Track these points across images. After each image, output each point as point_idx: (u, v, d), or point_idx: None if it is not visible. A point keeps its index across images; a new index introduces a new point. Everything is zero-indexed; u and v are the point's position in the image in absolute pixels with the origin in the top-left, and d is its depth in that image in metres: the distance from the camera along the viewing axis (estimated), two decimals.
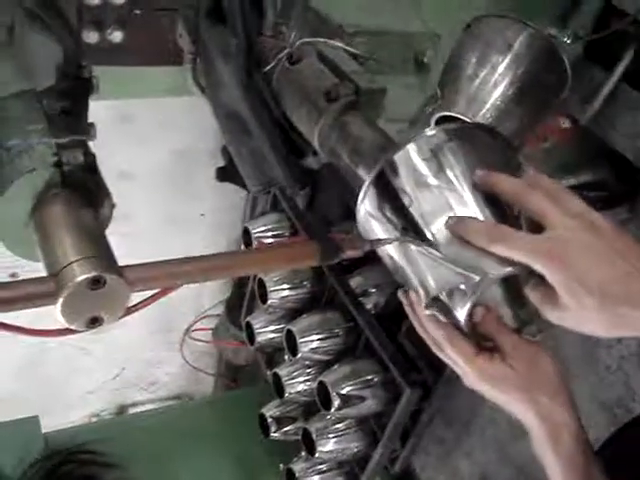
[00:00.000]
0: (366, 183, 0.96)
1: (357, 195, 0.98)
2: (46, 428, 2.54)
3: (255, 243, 2.47)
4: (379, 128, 1.10)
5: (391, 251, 0.96)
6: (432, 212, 0.90)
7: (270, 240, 2.48)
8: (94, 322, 0.79)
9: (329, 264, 1.80)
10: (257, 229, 2.47)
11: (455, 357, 1.01)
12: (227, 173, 2.79)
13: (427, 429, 2.38)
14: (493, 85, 1.30)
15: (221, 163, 2.82)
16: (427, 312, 0.99)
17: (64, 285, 0.75)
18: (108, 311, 0.79)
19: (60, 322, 0.82)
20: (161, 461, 2.57)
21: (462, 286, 0.90)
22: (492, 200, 0.90)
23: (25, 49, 1.03)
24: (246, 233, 2.49)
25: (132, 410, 3.72)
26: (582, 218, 0.87)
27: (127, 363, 3.54)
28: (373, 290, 2.32)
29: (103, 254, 0.80)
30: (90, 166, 0.90)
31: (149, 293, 0.84)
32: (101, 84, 1.13)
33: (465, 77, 1.32)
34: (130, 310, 0.82)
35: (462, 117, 1.29)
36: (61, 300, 0.75)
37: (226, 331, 3.30)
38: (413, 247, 0.92)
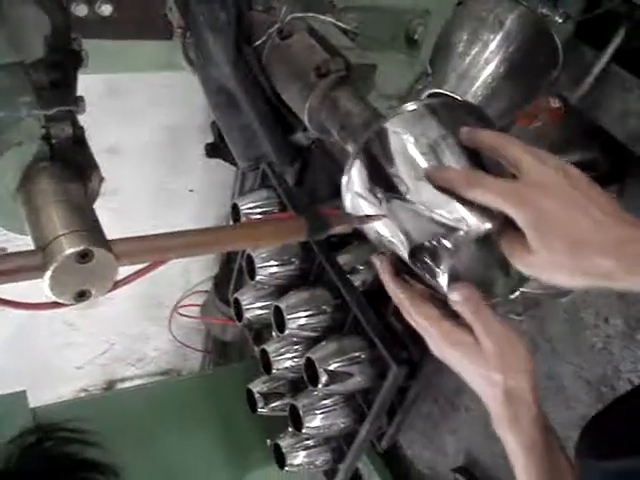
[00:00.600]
0: (353, 154, 0.97)
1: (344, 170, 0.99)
2: (34, 403, 2.54)
3: (244, 219, 2.47)
4: (369, 104, 1.10)
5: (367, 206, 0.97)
6: (417, 177, 0.91)
7: (259, 216, 2.48)
8: (82, 296, 0.79)
9: (318, 240, 1.81)
10: (246, 205, 2.47)
11: (421, 320, 1.00)
12: (216, 149, 2.78)
13: (414, 406, 2.40)
14: (484, 63, 1.29)
15: (210, 139, 2.81)
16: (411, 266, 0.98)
17: (52, 258, 0.75)
18: (96, 285, 0.79)
19: (48, 296, 0.82)
20: (149, 436, 2.58)
21: (445, 242, 0.90)
22: (475, 160, 0.92)
23: (13, 21, 1.02)
24: (235, 209, 2.49)
25: (120, 385, 3.73)
26: (557, 167, 0.88)
27: (115, 339, 3.54)
28: (361, 267, 2.33)
29: (91, 228, 0.79)
30: (79, 139, 0.90)
31: (137, 267, 0.84)
32: (90, 58, 1.12)
33: (456, 54, 1.32)
34: (118, 284, 0.81)
35: (452, 94, 1.29)
36: (49, 273, 0.75)
37: (214, 307, 3.31)
38: (398, 203, 0.93)
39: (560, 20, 1.44)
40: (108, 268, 0.78)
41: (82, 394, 3.64)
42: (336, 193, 2.41)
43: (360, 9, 1.25)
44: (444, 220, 0.90)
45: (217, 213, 3.18)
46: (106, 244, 0.77)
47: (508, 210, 0.85)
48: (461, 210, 0.89)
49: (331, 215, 0.96)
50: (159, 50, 1.44)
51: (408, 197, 0.92)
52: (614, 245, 0.82)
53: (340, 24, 1.20)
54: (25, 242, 2.59)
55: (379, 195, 0.96)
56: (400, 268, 1.06)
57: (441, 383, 2.34)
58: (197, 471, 2.61)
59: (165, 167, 2.94)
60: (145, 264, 0.83)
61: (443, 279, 0.93)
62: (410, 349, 2.25)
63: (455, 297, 0.95)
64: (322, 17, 1.19)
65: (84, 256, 0.75)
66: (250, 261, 2.38)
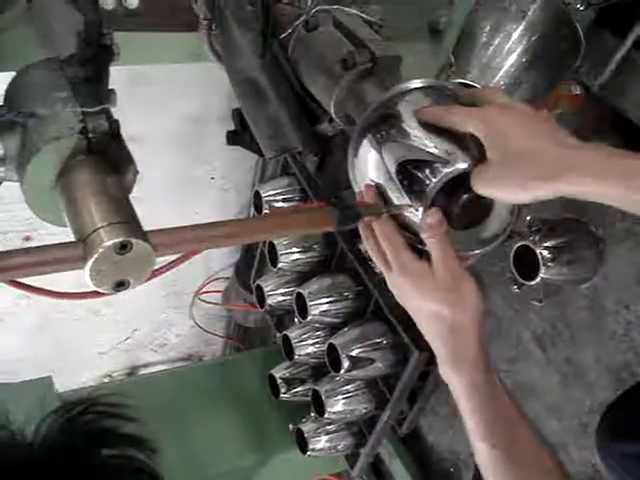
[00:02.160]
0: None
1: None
2: (59, 388, 2.58)
3: (265, 206, 2.49)
4: None
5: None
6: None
7: (280, 204, 2.51)
8: (120, 285, 0.81)
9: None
10: (267, 192, 2.50)
11: (385, 245, 1.03)
12: (237, 137, 2.79)
13: (434, 391, 2.43)
14: (507, 53, 1.31)
15: (231, 127, 2.82)
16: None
17: (92, 250, 0.77)
18: (134, 275, 0.82)
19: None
20: (173, 421, 2.61)
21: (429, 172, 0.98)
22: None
23: (45, 17, 1.04)
24: (257, 196, 2.52)
25: (143, 371, 3.77)
26: (518, 104, 0.99)
27: (138, 325, 3.57)
28: None
29: (129, 219, 0.82)
30: (114, 133, 0.92)
31: (173, 257, 0.87)
32: None
33: (479, 45, 1.34)
34: (155, 273, 0.84)
35: (474, 84, 1.31)
36: (89, 264, 0.78)
37: (235, 294, 3.34)
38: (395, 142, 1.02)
39: (581, 7, 1.45)
40: (146, 259, 0.81)
41: (106, 379, 3.68)
42: None
43: (384, 1, 1.27)
44: (433, 153, 0.98)
45: (239, 200, 3.20)
46: (144, 235, 0.80)
47: (471, 127, 0.95)
48: (445, 145, 0.98)
49: (361, 206, 0.98)
50: (185, 42, 1.46)
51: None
52: (551, 160, 0.89)
53: (365, 16, 1.22)
54: (48, 231, 2.62)
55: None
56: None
57: None
58: (221, 456, 2.64)
59: (187, 155, 2.96)
60: (180, 254, 0.86)
61: (420, 205, 0.99)
62: None
63: (429, 219, 0.99)
64: (347, 9, 1.21)
65: (123, 247, 0.78)
66: (272, 248, 2.41)
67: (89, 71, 0.95)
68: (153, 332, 3.68)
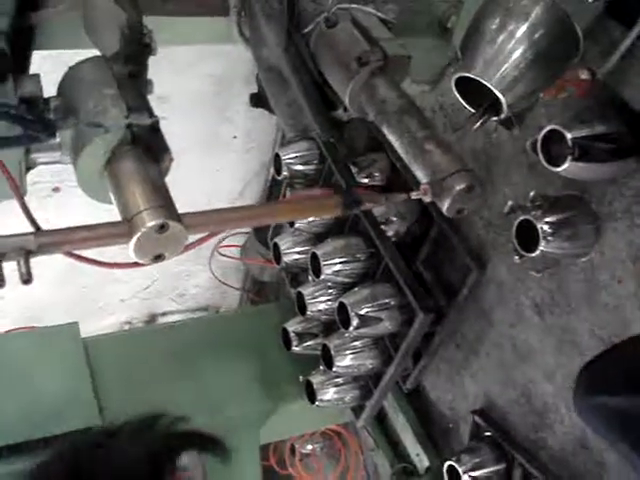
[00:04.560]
0: None
1: None
2: (82, 334, 2.72)
3: (284, 169, 2.58)
4: (403, 91, 1.23)
5: None
6: None
7: (299, 167, 2.59)
8: (158, 258, 0.95)
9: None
10: (287, 155, 2.58)
11: None
12: (260, 99, 2.87)
13: (438, 351, 2.55)
14: (510, 50, 1.40)
15: (255, 89, 2.91)
16: None
17: (136, 229, 0.90)
18: (169, 249, 0.95)
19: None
20: (189, 368, 2.73)
21: None
22: None
23: (92, 16, 1.16)
24: (277, 159, 2.60)
25: (161, 319, 3.90)
26: None
27: (158, 275, 3.69)
28: (395, 219, 2.45)
29: (167, 203, 0.95)
30: (154, 126, 1.05)
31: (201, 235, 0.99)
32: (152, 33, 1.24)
33: (484, 42, 1.43)
34: (186, 248, 0.97)
35: (479, 78, 1.40)
36: (133, 241, 0.91)
37: (253, 249, 3.45)
38: None
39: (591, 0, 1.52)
40: (180, 237, 0.93)
41: (126, 326, 3.82)
42: (373, 147, 2.53)
43: (399, 0, 1.37)
44: None
45: (259, 159, 3.29)
46: (179, 218, 0.93)
47: None
48: None
49: (363, 194, 1.10)
50: (216, 26, 1.57)
51: None
52: None
53: (380, 14, 1.32)
54: (75, 182, 2.73)
55: None
56: None
57: (464, 331, 2.48)
58: (234, 401, 2.76)
59: (211, 115, 3.04)
60: (207, 233, 0.99)
61: None
62: (437, 298, 2.39)
63: None
64: (364, 8, 1.31)
65: (162, 228, 0.91)
66: None
67: (132, 68, 1.07)
68: (172, 282, 3.80)
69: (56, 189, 2.97)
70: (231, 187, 3.34)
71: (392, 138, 1.27)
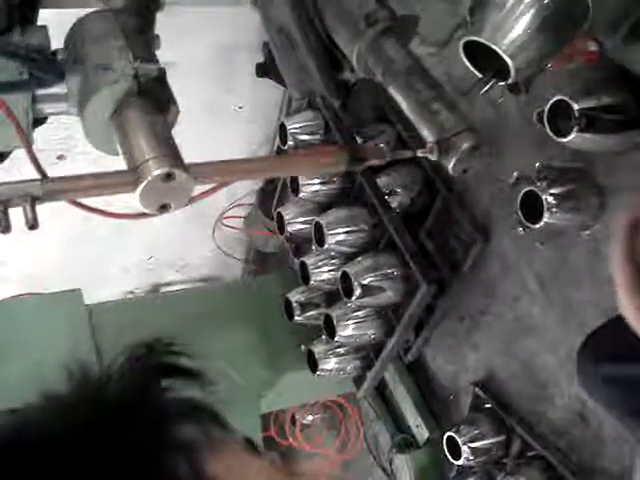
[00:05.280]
0: None
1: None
2: (87, 301, 2.73)
3: (290, 138, 2.59)
4: (410, 52, 1.22)
5: None
6: None
7: (304, 137, 2.60)
8: (164, 208, 0.95)
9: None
10: (293, 125, 2.58)
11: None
12: (266, 69, 2.88)
13: (440, 323, 2.56)
14: (519, 15, 1.39)
15: (261, 59, 2.90)
16: None
17: (142, 178, 0.90)
18: (175, 200, 0.95)
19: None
20: (193, 337, 2.73)
21: None
22: None
23: None
24: (282, 128, 2.61)
25: (165, 289, 3.91)
26: None
27: (162, 245, 3.69)
28: (399, 190, 2.46)
29: (174, 153, 0.95)
30: (160, 78, 1.05)
31: (208, 187, 0.99)
32: None
33: (493, 6, 1.42)
34: (193, 199, 0.97)
35: (487, 43, 1.40)
36: (140, 189, 0.91)
37: (257, 220, 3.45)
38: None
39: None
40: (186, 187, 0.94)
41: (129, 295, 3.82)
42: (379, 117, 2.53)
43: None
44: None
45: (264, 130, 3.29)
46: (185, 167, 0.93)
47: None
48: None
49: (368, 149, 1.10)
50: None
51: None
52: None
53: None
54: (80, 150, 2.72)
55: None
56: None
57: (467, 303, 2.48)
58: (235, 371, 2.77)
59: (217, 84, 3.03)
60: (214, 184, 0.99)
61: None
62: (440, 269, 2.40)
63: None
64: None
65: (168, 177, 0.91)
66: (294, 178, 2.51)
67: (140, 21, 1.06)
68: (176, 253, 3.80)
69: (61, 157, 2.96)
70: (236, 157, 3.34)
71: (399, 98, 1.26)
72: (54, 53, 1.06)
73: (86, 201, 0.96)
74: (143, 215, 0.96)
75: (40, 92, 1.03)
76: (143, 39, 1.07)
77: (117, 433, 0.48)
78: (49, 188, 0.90)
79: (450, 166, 1.19)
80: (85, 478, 0.46)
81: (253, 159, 0.92)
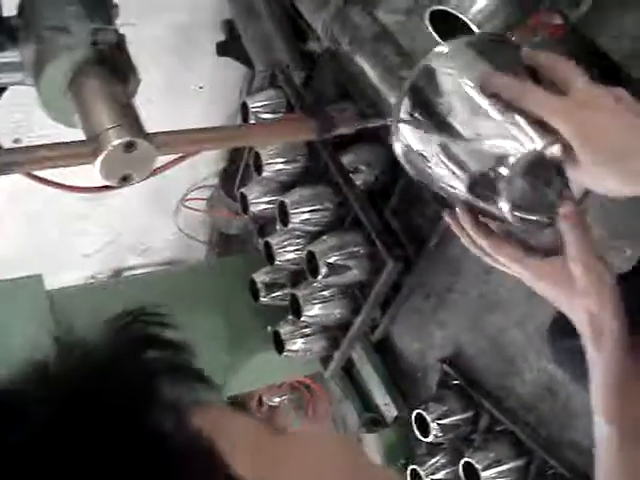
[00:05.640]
0: (402, 93, 0.96)
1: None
2: (47, 287, 2.66)
3: (252, 117, 2.55)
4: (377, 19, 1.19)
5: (420, 148, 0.96)
6: (471, 111, 0.92)
7: (267, 115, 2.57)
8: (125, 179, 0.91)
9: (323, 140, 1.91)
10: (255, 104, 2.55)
11: (506, 262, 1.02)
12: (227, 48, 2.83)
13: (406, 300, 2.55)
14: None
15: (222, 37, 2.86)
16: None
17: (102, 148, 0.87)
18: (138, 171, 0.91)
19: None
20: None
21: (502, 170, 0.90)
22: None
23: None
24: (244, 108, 2.57)
25: (127, 273, 3.85)
26: (606, 89, 0.91)
27: (123, 229, 3.63)
28: (364, 167, 2.43)
29: (135, 122, 0.91)
30: (120, 45, 1.01)
31: (172, 157, 0.96)
32: None
33: None
34: (156, 171, 0.94)
35: (454, 12, 1.37)
36: (99, 160, 0.87)
37: (220, 201, 3.42)
38: (451, 140, 0.93)
39: None
40: (148, 157, 0.90)
41: (90, 281, 3.76)
42: (342, 95, 2.51)
43: None
44: (498, 149, 0.90)
45: (225, 111, 3.24)
46: (147, 136, 0.89)
47: (555, 124, 0.88)
48: (517, 128, 0.90)
49: (337, 117, 1.07)
50: None
51: (462, 132, 0.92)
52: None
53: None
54: (37, 134, 2.66)
55: (432, 137, 0.95)
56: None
57: (433, 280, 2.47)
58: (201, 355, 2.74)
59: (176, 63, 2.98)
60: (178, 155, 0.95)
61: (505, 207, 0.92)
62: (406, 246, 2.38)
63: (562, 210, 0.94)
64: None
65: (129, 146, 0.87)
66: (258, 157, 2.48)
67: None
68: (137, 236, 3.74)
69: (17, 140, 2.90)
70: None
71: (366, 66, 1.23)
72: (7, 19, 1.01)
73: (45, 176, 0.92)
74: (105, 188, 0.92)
75: None
76: (101, 5, 1.02)
77: (101, 391, 0.48)
78: (3, 160, 0.86)
79: None
80: (71, 438, 0.45)
81: (219, 127, 0.89)
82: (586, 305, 0.97)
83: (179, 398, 0.51)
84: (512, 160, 0.89)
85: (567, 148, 0.89)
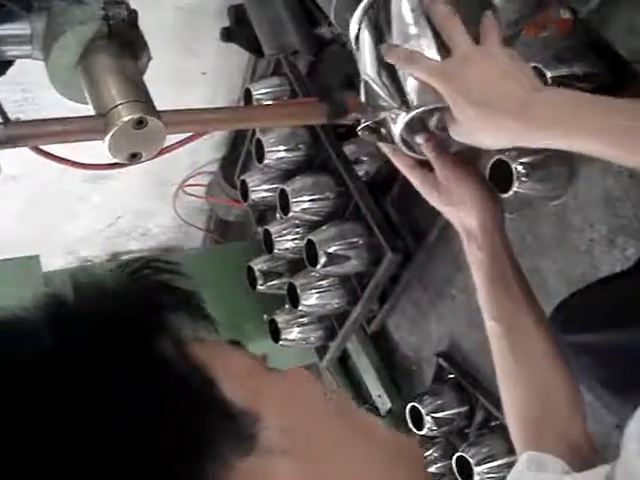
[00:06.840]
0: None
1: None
2: (43, 269, 2.66)
3: (255, 104, 2.54)
4: None
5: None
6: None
7: (270, 102, 2.55)
8: (134, 157, 0.90)
9: (326, 128, 1.89)
10: (258, 91, 2.53)
11: (401, 168, 1.23)
12: (232, 34, 2.81)
13: (404, 293, 2.54)
14: None
15: (226, 23, 2.84)
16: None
17: (112, 124, 0.86)
18: (146, 148, 0.90)
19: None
20: None
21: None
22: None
23: None
24: (247, 94, 2.55)
25: (124, 258, 3.84)
26: (482, 49, 0.98)
27: (121, 213, 3.62)
28: (365, 158, 2.43)
29: (146, 99, 0.90)
30: (131, 21, 1.00)
31: (181, 137, 0.95)
32: None
33: None
34: (164, 150, 0.93)
35: None
36: (109, 136, 0.86)
37: (219, 188, 3.40)
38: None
39: None
40: (158, 135, 0.89)
41: (87, 264, 3.75)
42: (347, 85, 2.49)
43: None
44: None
45: (228, 97, 3.22)
46: (157, 114, 0.88)
47: (434, 84, 0.97)
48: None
49: (350, 103, 1.06)
50: None
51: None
52: (518, 108, 0.92)
53: None
54: (38, 114, 2.66)
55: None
56: None
57: (432, 273, 2.47)
58: None
59: (180, 48, 2.96)
60: (187, 134, 0.94)
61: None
62: (406, 239, 2.38)
63: (418, 140, 1.09)
64: None
65: (139, 123, 0.86)
66: (259, 145, 2.46)
67: None
68: (136, 221, 3.73)
69: (17, 120, 2.88)
70: None
71: None
72: None
73: (52, 152, 0.91)
74: (114, 166, 0.91)
75: (1, 32, 0.98)
76: None
77: (110, 316, 0.51)
78: (10, 134, 0.86)
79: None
80: (80, 359, 0.48)
81: (229, 107, 0.89)
82: (455, 213, 1.15)
83: (183, 327, 0.55)
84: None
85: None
